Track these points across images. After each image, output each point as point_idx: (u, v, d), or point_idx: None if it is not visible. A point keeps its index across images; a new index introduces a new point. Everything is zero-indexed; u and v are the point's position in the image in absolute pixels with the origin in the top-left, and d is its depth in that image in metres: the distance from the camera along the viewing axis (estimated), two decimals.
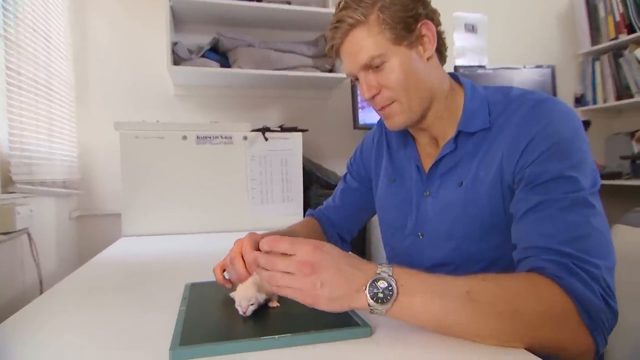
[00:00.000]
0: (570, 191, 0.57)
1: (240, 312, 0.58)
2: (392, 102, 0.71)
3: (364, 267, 0.52)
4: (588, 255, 0.53)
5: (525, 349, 0.50)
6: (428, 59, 0.70)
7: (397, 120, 0.73)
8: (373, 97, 0.71)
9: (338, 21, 0.69)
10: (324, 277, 0.50)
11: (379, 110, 0.74)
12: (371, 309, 0.51)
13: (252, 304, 0.58)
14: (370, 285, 0.50)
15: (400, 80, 0.68)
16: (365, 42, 0.68)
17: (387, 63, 0.68)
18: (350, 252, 0.57)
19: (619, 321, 0.55)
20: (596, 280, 0.52)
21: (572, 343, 0.51)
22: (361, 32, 0.68)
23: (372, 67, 0.69)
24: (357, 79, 0.72)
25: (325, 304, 0.51)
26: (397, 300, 0.50)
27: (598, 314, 0.51)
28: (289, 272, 0.51)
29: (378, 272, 0.51)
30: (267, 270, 0.53)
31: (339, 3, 0.71)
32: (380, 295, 0.50)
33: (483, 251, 0.69)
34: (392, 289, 0.50)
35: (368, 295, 0.50)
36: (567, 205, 0.57)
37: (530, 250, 0.57)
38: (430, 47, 0.70)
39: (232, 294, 0.61)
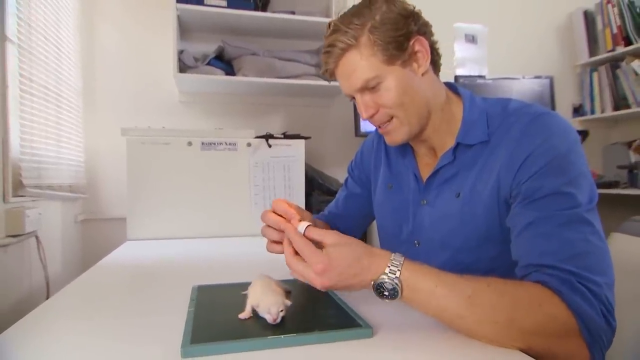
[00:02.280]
0: (567, 207, 0.58)
1: (270, 320, 0.56)
2: (391, 119, 0.72)
3: (374, 267, 0.56)
4: (589, 273, 0.54)
5: (520, 350, 0.52)
6: (423, 74, 0.70)
7: (396, 137, 0.74)
8: (371, 116, 0.72)
9: (330, 45, 0.69)
10: (338, 287, 0.57)
11: (378, 127, 0.75)
12: None
13: (281, 310, 0.57)
14: (378, 285, 0.55)
15: (396, 98, 0.69)
16: (359, 65, 0.67)
17: (382, 83, 0.68)
18: (360, 243, 0.59)
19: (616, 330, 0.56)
20: (598, 298, 0.54)
21: (568, 355, 0.53)
22: (353, 56, 0.67)
23: (368, 88, 0.69)
24: (354, 98, 0.73)
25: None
26: (402, 297, 0.55)
27: (598, 331, 0.53)
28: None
29: (386, 271, 0.55)
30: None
31: (329, 25, 0.70)
32: (386, 293, 0.55)
33: (479, 262, 0.70)
34: (397, 290, 0.55)
35: (375, 293, 0.56)
36: (565, 222, 0.57)
37: (531, 267, 0.58)
38: (425, 62, 0.70)
39: (254, 303, 0.60)
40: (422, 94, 0.71)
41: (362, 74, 0.68)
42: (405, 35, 0.67)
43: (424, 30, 0.70)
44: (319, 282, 0.56)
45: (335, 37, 0.68)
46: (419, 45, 0.69)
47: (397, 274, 0.55)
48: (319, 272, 0.56)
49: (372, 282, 0.56)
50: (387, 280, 0.55)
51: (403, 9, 0.68)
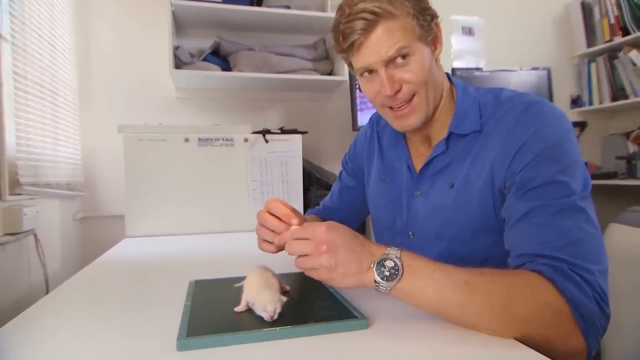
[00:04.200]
0: (561, 196, 0.58)
1: (267, 318, 0.55)
2: (411, 99, 0.69)
3: (374, 248, 0.56)
4: (582, 261, 0.55)
5: (516, 339, 0.52)
6: (436, 59, 0.71)
7: (412, 120, 0.71)
8: (396, 93, 0.68)
9: (361, 11, 0.63)
10: (338, 257, 0.54)
11: (397, 109, 0.70)
12: (377, 286, 0.54)
13: (277, 307, 0.56)
14: (379, 263, 0.54)
15: (423, 75, 0.67)
16: (394, 33, 0.64)
17: (411, 57, 0.66)
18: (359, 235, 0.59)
19: (614, 320, 0.57)
20: (590, 285, 0.54)
21: (563, 342, 0.53)
22: (389, 24, 0.64)
23: (395, 61, 0.66)
24: (369, 72, 0.69)
25: (340, 281, 0.56)
26: (401, 279, 0.54)
27: (591, 317, 0.53)
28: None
29: (387, 252, 0.55)
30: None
31: None
32: (387, 273, 0.54)
33: (474, 252, 0.70)
34: (398, 268, 0.54)
35: (375, 273, 0.54)
36: (559, 211, 0.57)
37: (524, 257, 0.58)
38: (440, 47, 0.71)
39: (249, 300, 0.59)
40: (437, 76, 0.71)
41: (398, 41, 0.64)
42: (431, 16, 0.67)
43: (438, 16, 0.71)
44: (324, 243, 0.54)
45: (366, 4, 0.63)
46: (437, 29, 0.70)
47: (398, 254, 0.55)
48: (324, 230, 0.55)
49: (372, 263, 0.54)
50: (388, 258, 0.54)
51: None
